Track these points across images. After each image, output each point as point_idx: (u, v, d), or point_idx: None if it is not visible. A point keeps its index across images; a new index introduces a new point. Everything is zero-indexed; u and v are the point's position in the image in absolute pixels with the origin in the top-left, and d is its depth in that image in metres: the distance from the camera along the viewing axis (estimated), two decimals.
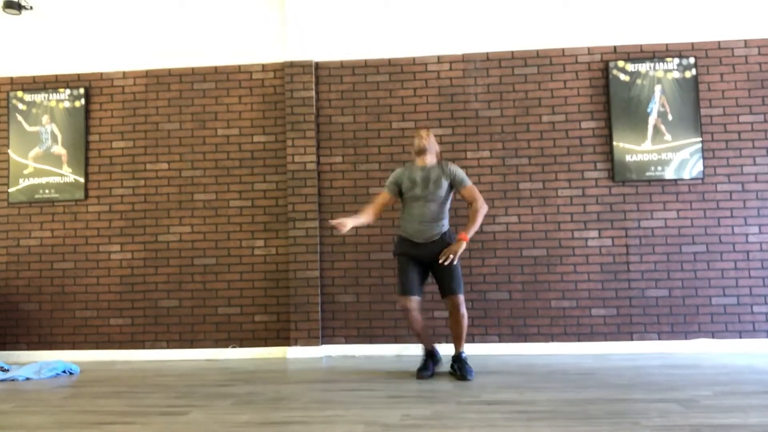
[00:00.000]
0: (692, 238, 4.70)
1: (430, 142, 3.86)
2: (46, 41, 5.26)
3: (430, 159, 3.87)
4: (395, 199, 3.91)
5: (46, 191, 5.12)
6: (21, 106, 5.19)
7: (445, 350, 4.75)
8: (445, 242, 3.77)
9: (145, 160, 5.12)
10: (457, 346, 3.78)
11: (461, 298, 3.70)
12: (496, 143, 4.90)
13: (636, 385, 3.30)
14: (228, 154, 5.07)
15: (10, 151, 5.17)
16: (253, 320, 4.93)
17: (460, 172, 3.84)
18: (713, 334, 4.63)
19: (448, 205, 3.85)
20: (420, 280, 3.79)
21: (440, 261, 3.67)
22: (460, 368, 3.69)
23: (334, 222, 3.59)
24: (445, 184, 3.78)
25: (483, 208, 3.81)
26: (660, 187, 4.75)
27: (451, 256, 3.65)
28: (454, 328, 3.75)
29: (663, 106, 4.77)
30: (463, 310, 3.70)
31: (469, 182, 3.85)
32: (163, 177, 5.10)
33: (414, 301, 3.70)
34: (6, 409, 3.11)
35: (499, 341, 4.75)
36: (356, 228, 4.87)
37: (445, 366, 3.90)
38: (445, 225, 3.82)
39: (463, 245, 3.69)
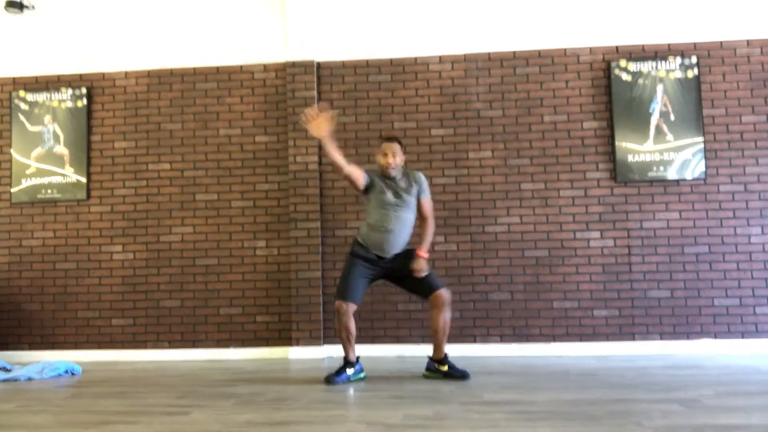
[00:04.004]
0: (694, 239, 4.70)
1: (398, 162, 3.73)
2: (48, 41, 5.26)
3: (397, 172, 3.76)
4: (361, 189, 3.73)
5: (49, 191, 5.13)
6: (23, 106, 5.19)
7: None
8: (409, 255, 3.71)
9: (147, 160, 5.12)
10: (443, 347, 3.71)
11: (448, 292, 3.67)
12: (497, 143, 4.89)
13: (638, 386, 3.29)
14: (230, 155, 5.07)
15: (12, 151, 5.18)
16: (254, 321, 4.93)
17: (426, 183, 3.79)
18: (715, 335, 4.62)
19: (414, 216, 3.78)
20: (364, 290, 3.73)
21: (414, 275, 3.63)
22: (455, 370, 3.66)
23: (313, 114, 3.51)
24: (414, 191, 3.73)
25: (433, 226, 3.81)
26: (662, 187, 4.74)
27: (423, 271, 3.63)
28: (443, 327, 3.66)
29: (665, 106, 4.76)
30: (449, 308, 3.67)
31: (429, 194, 3.81)
32: (165, 177, 5.10)
33: (352, 307, 3.64)
34: (8, 409, 3.11)
35: (501, 342, 4.74)
36: (357, 228, 4.86)
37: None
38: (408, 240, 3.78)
39: (423, 261, 3.65)
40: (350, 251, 3.80)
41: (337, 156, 3.57)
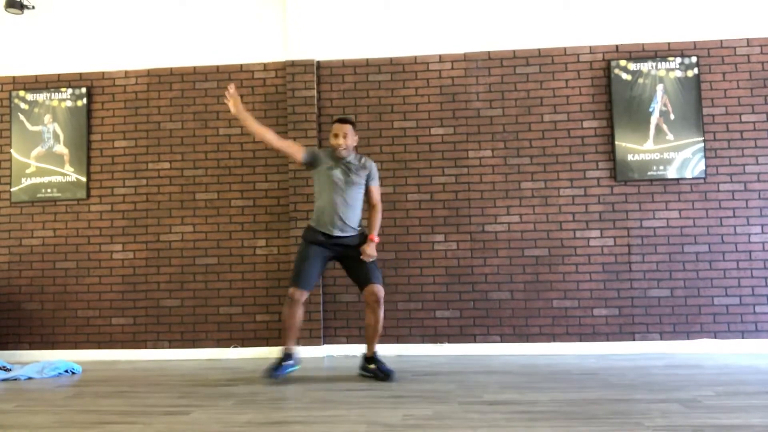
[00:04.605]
0: (694, 237, 4.70)
1: (348, 143, 3.76)
2: (48, 41, 5.26)
3: (348, 153, 3.80)
4: (300, 161, 3.79)
5: (48, 190, 5.12)
6: (23, 106, 5.19)
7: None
8: (361, 240, 3.74)
9: (146, 159, 5.12)
10: (373, 345, 3.73)
11: (383, 290, 3.67)
12: (497, 142, 4.89)
13: (638, 386, 3.29)
14: (230, 154, 5.07)
15: (12, 150, 5.18)
16: (254, 320, 4.93)
17: (376, 169, 3.85)
18: (715, 335, 4.62)
19: (362, 198, 3.81)
20: (318, 276, 3.76)
21: (362, 257, 3.66)
22: (381, 369, 3.66)
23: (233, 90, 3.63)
24: (364, 174, 3.78)
25: (380, 212, 3.86)
26: (662, 186, 4.74)
27: (371, 256, 3.66)
28: (374, 325, 3.68)
29: (665, 105, 4.76)
30: (382, 307, 3.66)
31: (378, 182, 3.87)
32: (164, 176, 5.10)
33: (304, 295, 3.64)
34: (8, 409, 3.11)
35: (501, 341, 4.74)
36: None
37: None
38: (361, 223, 3.80)
39: (374, 245, 3.70)
40: (302, 236, 3.84)
41: (263, 132, 3.72)
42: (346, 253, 3.74)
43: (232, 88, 3.64)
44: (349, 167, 3.75)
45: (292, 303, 3.66)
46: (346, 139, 3.74)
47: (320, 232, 3.73)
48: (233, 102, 3.64)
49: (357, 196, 3.76)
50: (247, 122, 3.71)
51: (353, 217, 3.74)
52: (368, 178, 3.81)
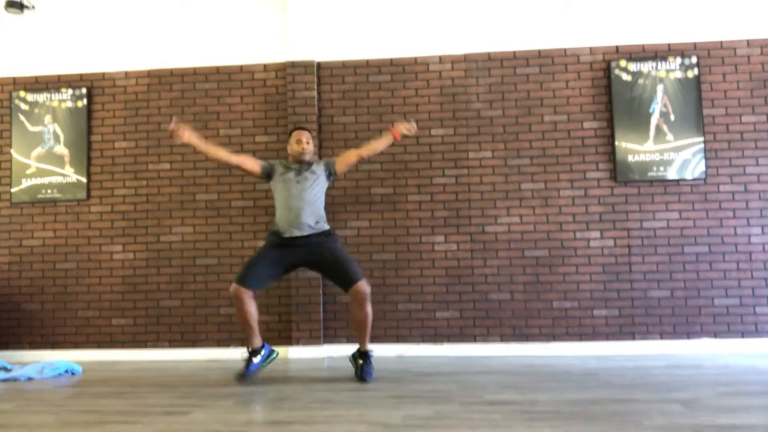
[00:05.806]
0: (694, 238, 4.70)
1: (310, 149, 3.87)
2: (49, 41, 5.26)
3: (310, 157, 3.90)
4: (258, 174, 3.86)
5: (49, 191, 5.13)
6: (23, 106, 5.20)
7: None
8: (328, 240, 3.72)
9: (147, 160, 5.12)
10: (365, 341, 3.71)
11: (368, 286, 3.64)
12: (497, 143, 4.89)
13: (638, 386, 3.29)
14: None
15: (12, 151, 5.18)
16: None
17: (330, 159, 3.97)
18: (715, 335, 4.62)
19: (323, 199, 3.84)
20: (267, 278, 3.73)
21: (405, 131, 3.90)
22: (362, 370, 3.64)
23: (173, 125, 3.57)
24: (321, 170, 3.84)
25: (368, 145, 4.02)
26: (662, 187, 4.74)
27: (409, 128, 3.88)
28: (364, 319, 3.65)
29: (665, 106, 4.76)
30: (369, 301, 3.65)
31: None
32: (165, 177, 5.10)
33: (246, 293, 3.59)
34: (8, 409, 3.11)
35: (501, 342, 4.74)
36: (357, 229, 4.87)
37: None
38: (324, 221, 3.81)
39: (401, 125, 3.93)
40: (265, 239, 3.85)
41: (216, 151, 3.76)
42: (316, 258, 3.71)
43: (173, 124, 3.60)
44: (303, 169, 3.81)
45: (235, 301, 3.62)
46: (309, 144, 3.85)
47: (279, 236, 3.72)
48: (180, 133, 3.59)
49: (313, 195, 3.76)
50: (200, 146, 3.72)
51: (311, 214, 3.72)
52: (328, 166, 3.89)
